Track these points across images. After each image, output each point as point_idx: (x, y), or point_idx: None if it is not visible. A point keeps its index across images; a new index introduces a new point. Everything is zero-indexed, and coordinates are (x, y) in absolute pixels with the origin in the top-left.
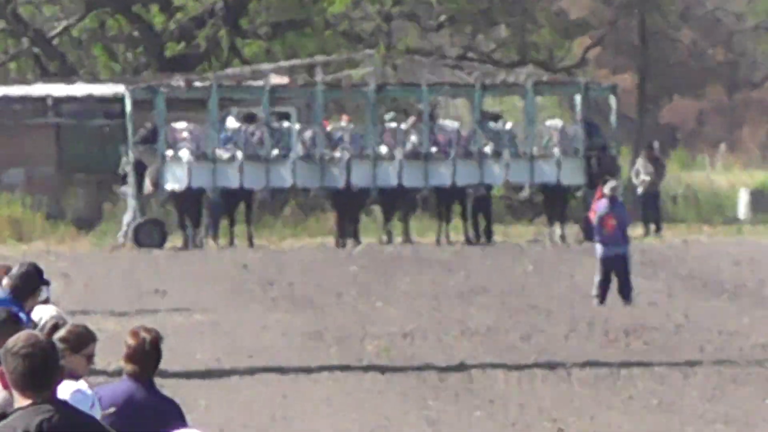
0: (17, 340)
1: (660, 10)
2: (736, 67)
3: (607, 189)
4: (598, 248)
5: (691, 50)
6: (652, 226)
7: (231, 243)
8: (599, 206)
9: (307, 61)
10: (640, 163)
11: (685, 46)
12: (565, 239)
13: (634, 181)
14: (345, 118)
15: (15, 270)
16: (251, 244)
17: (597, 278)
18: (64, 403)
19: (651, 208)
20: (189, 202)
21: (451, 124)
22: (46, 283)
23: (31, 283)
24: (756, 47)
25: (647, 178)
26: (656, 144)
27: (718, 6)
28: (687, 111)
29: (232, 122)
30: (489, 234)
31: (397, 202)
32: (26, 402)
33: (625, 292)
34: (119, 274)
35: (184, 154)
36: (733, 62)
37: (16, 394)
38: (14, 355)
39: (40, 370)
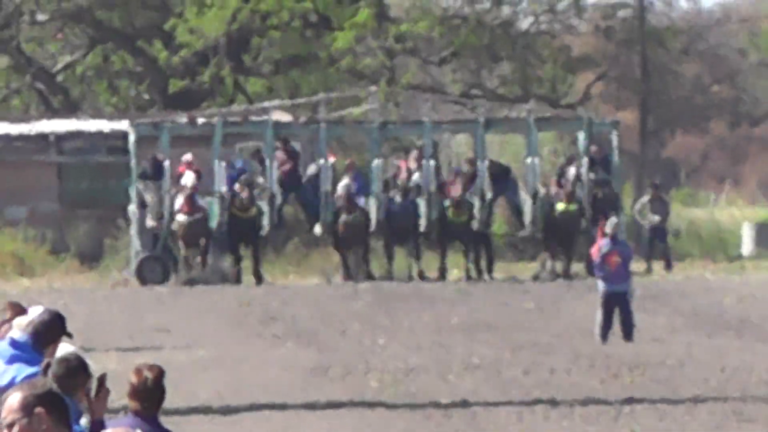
0: (45, 382)
1: (662, 45)
2: (738, 103)
3: (608, 227)
4: (601, 285)
5: (693, 85)
6: (655, 263)
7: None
8: (602, 244)
9: (310, 99)
10: (645, 200)
11: (687, 80)
12: (569, 275)
13: (637, 218)
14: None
15: (37, 316)
16: (259, 280)
17: (599, 316)
18: None
19: (660, 245)
20: (194, 234)
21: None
22: (69, 335)
23: (53, 332)
24: (758, 83)
25: (656, 218)
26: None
27: (720, 42)
28: (690, 147)
29: (239, 163)
30: (490, 270)
31: (406, 238)
32: None
33: (628, 329)
34: (122, 310)
35: (189, 178)
36: (735, 98)
37: None
38: (58, 395)
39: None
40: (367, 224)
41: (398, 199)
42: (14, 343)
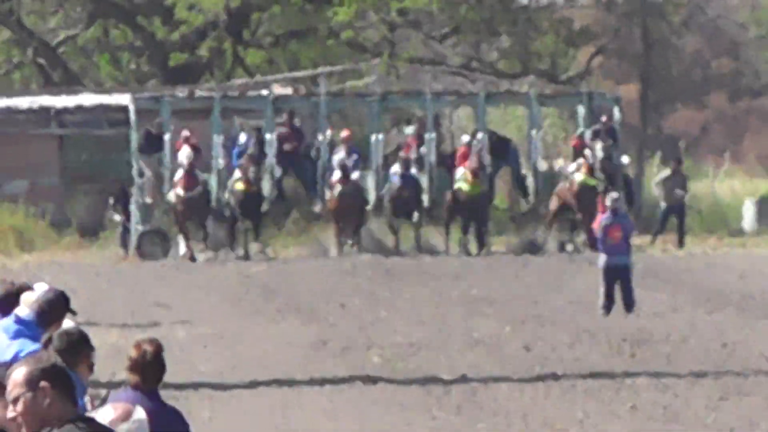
0: (50, 356)
1: (663, 18)
2: (739, 76)
3: (608, 201)
4: (602, 258)
5: (693, 58)
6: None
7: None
8: (603, 217)
9: (311, 72)
10: (666, 175)
11: (688, 54)
12: (576, 249)
13: (655, 192)
14: (344, 134)
15: (42, 294)
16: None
17: (602, 289)
18: (94, 420)
19: (677, 221)
20: (192, 210)
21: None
22: (73, 312)
23: (57, 310)
24: (759, 56)
25: (681, 192)
26: (725, 157)
27: (720, 15)
28: (690, 120)
29: (243, 137)
30: (482, 243)
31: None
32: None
33: (629, 302)
34: (123, 285)
35: (184, 154)
36: (736, 71)
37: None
38: (63, 369)
39: (74, 382)
40: (362, 197)
41: (401, 172)
42: (19, 320)
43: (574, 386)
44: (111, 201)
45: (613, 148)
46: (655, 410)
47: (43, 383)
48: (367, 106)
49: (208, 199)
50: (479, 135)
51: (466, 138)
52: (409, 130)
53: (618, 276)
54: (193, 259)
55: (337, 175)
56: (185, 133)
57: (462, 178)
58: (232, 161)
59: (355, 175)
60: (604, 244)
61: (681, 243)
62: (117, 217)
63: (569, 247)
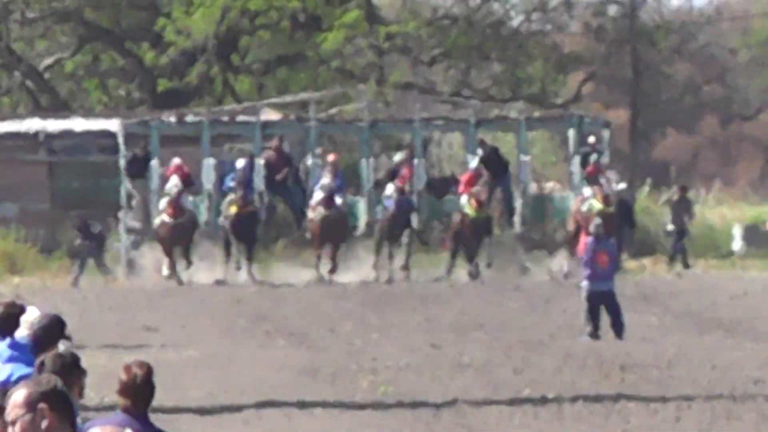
0: (50, 379)
1: (653, 44)
2: (729, 101)
3: (592, 227)
4: (585, 285)
5: (684, 84)
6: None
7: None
8: (588, 244)
9: (300, 97)
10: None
11: (678, 80)
12: (568, 275)
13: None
14: (331, 158)
15: (37, 319)
16: (253, 279)
17: (586, 315)
18: None
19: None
20: (178, 236)
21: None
22: (68, 338)
23: (51, 336)
24: (749, 82)
25: (671, 227)
26: (715, 184)
27: (711, 41)
28: (681, 146)
29: (240, 163)
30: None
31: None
32: None
33: (619, 327)
34: (112, 308)
35: (172, 183)
36: (726, 97)
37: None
38: (63, 392)
39: (73, 405)
40: (344, 222)
41: (396, 198)
42: (14, 345)
43: (563, 410)
44: (76, 232)
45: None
46: None
47: (41, 405)
48: (357, 132)
49: (193, 227)
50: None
51: (474, 164)
52: (398, 157)
53: (604, 301)
54: (180, 282)
55: (318, 197)
56: (177, 161)
57: (467, 204)
58: (224, 185)
59: (338, 200)
60: (592, 269)
61: (686, 264)
62: (78, 242)
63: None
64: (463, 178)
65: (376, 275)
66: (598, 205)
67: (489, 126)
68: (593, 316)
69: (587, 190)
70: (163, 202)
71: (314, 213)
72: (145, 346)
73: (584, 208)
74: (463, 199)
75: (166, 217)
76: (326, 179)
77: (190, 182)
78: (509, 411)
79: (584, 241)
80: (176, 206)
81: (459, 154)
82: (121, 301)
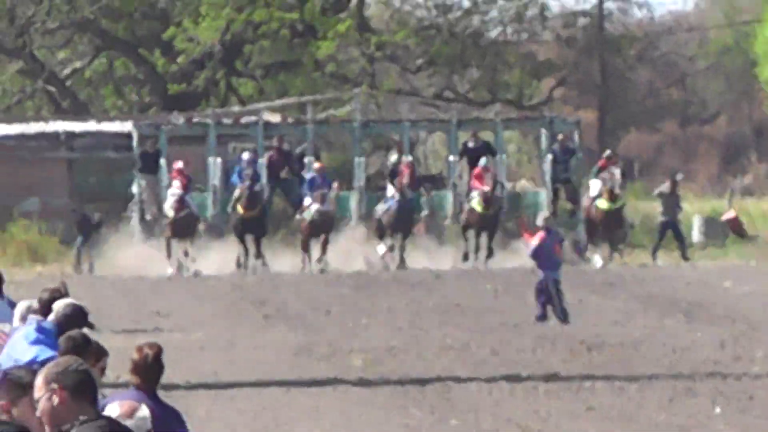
0: (68, 360)
1: (619, 52)
2: (688, 105)
3: (539, 220)
4: (541, 273)
5: (647, 89)
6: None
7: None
8: (544, 237)
9: (298, 99)
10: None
11: (641, 85)
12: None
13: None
14: (316, 165)
15: (62, 308)
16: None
17: (540, 301)
18: (112, 419)
19: (677, 235)
20: (182, 227)
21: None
22: (91, 326)
23: (74, 324)
24: (706, 87)
25: (678, 209)
26: (680, 176)
27: (671, 49)
28: (643, 144)
29: (246, 155)
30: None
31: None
32: (81, 418)
33: (565, 312)
34: (127, 295)
35: (175, 187)
36: (685, 101)
37: (72, 410)
38: (75, 372)
39: (93, 384)
40: (331, 222)
41: (398, 197)
42: (40, 329)
43: (537, 387)
44: (75, 227)
45: (571, 162)
46: (611, 411)
47: (53, 385)
48: (350, 132)
49: (195, 222)
50: (451, 158)
51: (483, 161)
52: (393, 157)
53: (554, 288)
54: (188, 273)
55: (309, 200)
56: (179, 165)
57: (476, 200)
58: (232, 179)
59: (326, 206)
60: (550, 260)
61: (685, 257)
62: (79, 240)
63: (605, 260)
64: (473, 173)
65: (384, 263)
66: (604, 204)
67: (469, 126)
68: (547, 303)
69: (596, 184)
70: (170, 200)
71: (303, 214)
72: (156, 329)
73: (595, 204)
74: (473, 194)
75: (171, 211)
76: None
77: (189, 184)
78: (487, 387)
79: (540, 235)
80: (181, 204)
81: (442, 152)
82: (133, 289)
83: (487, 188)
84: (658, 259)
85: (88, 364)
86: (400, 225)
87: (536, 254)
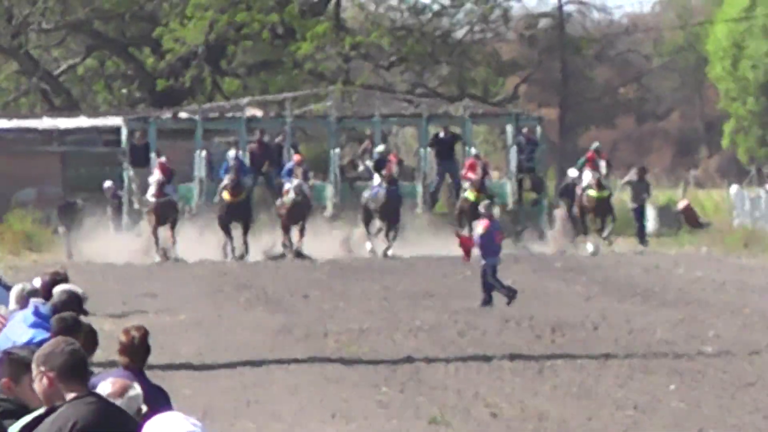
0: (58, 342)
1: (578, 52)
2: (643, 101)
3: (482, 208)
4: (484, 260)
5: (605, 87)
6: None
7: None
8: (488, 225)
9: (278, 96)
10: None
11: (600, 83)
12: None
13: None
14: (296, 158)
15: (59, 294)
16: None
17: (486, 287)
18: (99, 395)
19: (636, 224)
20: (163, 213)
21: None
22: (86, 312)
23: (69, 309)
24: (660, 84)
25: (645, 196)
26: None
27: (628, 49)
28: (601, 140)
29: (231, 153)
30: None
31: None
32: (71, 395)
33: (511, 291)
34: (116, 279)
35: (156, 176)
36: (641, 98)
37: (61, 390)
38: (62, 353)
39: (82, 364)
40: (308, 208)
41: (385, 185)
42: (37, 312)
43: (502, 366)
44: (57, 213)
45: (534, 154)
46: (571, 387)
47: (42, 367)
48: (326, 126)
49: (175, 208)
50: (421, 151)
51: (474, 151)
52: (380, 148)
53: (493, 274)
54: (168, 258)
55: (287, 186)
56: (162, 159)
57: (468, 189)
58: (220, 173)
59: (306, 188)
60: (493, 246)
61: (643, 241)
62: (61, 229)
63: (596, 247)
64: (466, 163)
65: (372, 247)
66: (594, 192)
67: (439, 121)
68: (492, 288)
69: (587, 176)
70: (152, 188)
71: (284, 199)
72: (143, 311)
73: (586, 194)
74: (466, 184)
75: (152, 198)
76: (297, 180)
77: (171, 176)
78: (455, 367)
79: (485, 223)
80: (161, 190)
81: (413, 144)
82: (123, 274)
83: (477, 177)
84: (648, 243)
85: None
86: (388, 212)
87: (481, 241)
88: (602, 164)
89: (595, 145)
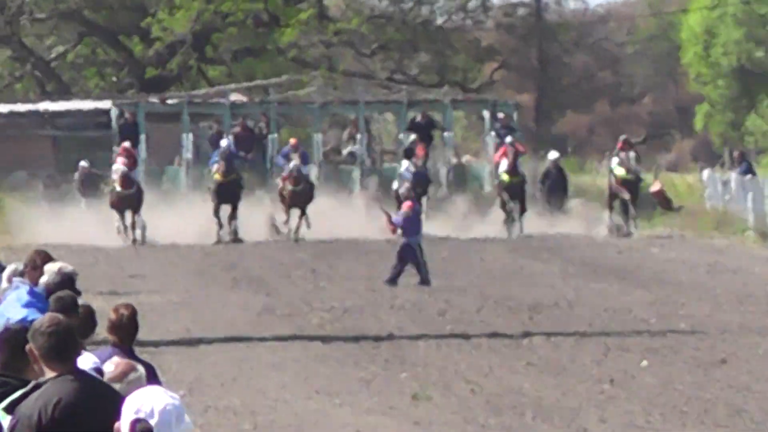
0: (43, 321)
1: (555, 39)
2: (618, 86)
3: (403, 189)
4: (405, 240)
5: (581, 73)
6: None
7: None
8: (411, 205)
9: (263, 82)
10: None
11: (576, 69)
12: (628, 231)
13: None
14: (292, 141)
15: (52, 275)
16: (236, 238)
17: (399, 266)
18: (83, 372)
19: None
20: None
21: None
22: (78, 292)
23: (62, 289)
24: (635, 70)
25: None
26: (636, 140)
27: (603, 36)
28: (578, 124)
29: (224, 142)
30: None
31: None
32: (53, 374)
33: (425, 273)
34: (106, 260)
35: (118, 164)
36: (616, 83)
37: (45, 368)
38: (42, 334)
39: (63, 345)
40: (311, 192)
41: (412, 169)
42: (32, 292)
43: (481, 344)
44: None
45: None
46: (548, 365)
47: (30, 344)
48: (310, 112)
49: (140, 197)
50: (403, 136)
51: (509, 138)
52: (411, 137)
53: (420, 252)
54: (134, 241)
55: (288, 170)
56: (125, 144)
57: (503, 171)
58: (212, 159)
59: (305, 171)
60: (412, 227)
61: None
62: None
63: (624, 229)
64: (500, 150)
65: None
66: (621, 171)
67: (419, 107)
68: (403, 267)
69: (615, 161)
70: (115, 176)
71: (284, 184)
72: (133, 291)
73: (615, 173)
74: (501, 167)
75: (118, 188)
76: (295, 161)
77: (134, 161)
78: (435, 344)
79: (408, 203)
80: (126, 179)
81: (394, 130)
82: (113, 254)
83: (510, 161)
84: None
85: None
86: (417, 194)
87: (405, 222)
88: (631, 154)
89: (623, 136)
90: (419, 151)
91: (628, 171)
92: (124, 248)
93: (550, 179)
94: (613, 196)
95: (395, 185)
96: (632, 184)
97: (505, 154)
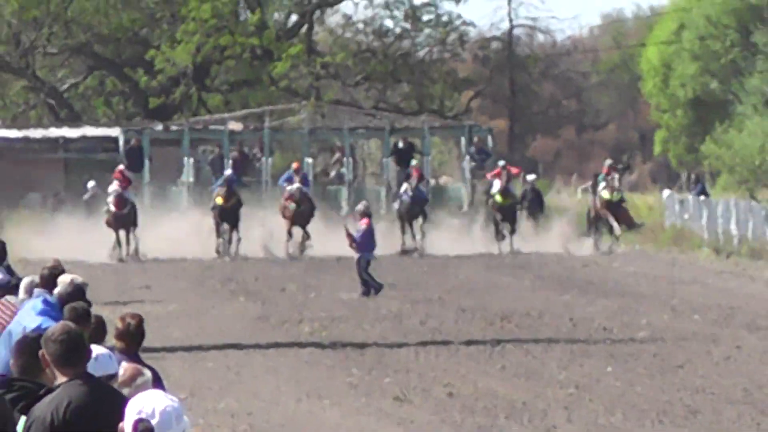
0: (55, 329)
1: (525, 70)
2: (583, 114)
3: (361, 207)
4: (363, 256)
5: (549, 101)
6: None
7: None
8: (368, 222)
9: (257, 110)
10: (587, 185)
11: (544, 98)
12: (611, 249)
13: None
14: (295, 165)
15: (64, 286)
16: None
17: (363, 279)
18: (92, 376)
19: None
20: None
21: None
22: (88, 302)
23: (74, 299)
24: (598, 99)
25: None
26: (620, 166)
27: (569, 67)
28: (546, 148)
29: (228, 172)
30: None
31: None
32: (64, 378)
33: (377, 285)
34: (114, 273)
35: (113, 186)
36: (581, 111)
37: (56, 373)
38: (54, 342)
39: (73, 351)
40: (312, 211)
41: (410, 192)
42: (46, 302)
43: (458, 351)
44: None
45: (485, 162)
46: (519, 369)
47: (40, 352)
48: (299, 138)
49: (135, 216)
50: (384, 161)
51: (501, 162)
52: (414, 162)
53: (366, 267)
54: (121, 260)
55: (290, 192)
56: (120, 166)
57: (497, 193)
58: (212, 187)
59: (307, 192)
60: (367, 244)
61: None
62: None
63: (606, 247)
64: (493, 172)
65: (411, 247)
66: (607, 194)
67: (400, 133)
68: (368, 280)
69: (602, 185)
70: (110, 198)
71: (287, 204)
72: (138, 301)
73: (602, 195)
74: (494, 187)
75: (113, 208)
76: (297, 183)
77: (128, 183)
78: (416, 351)
79: (365, 221)
80: (120, 200)
81: (377, 155)
82: (120, 268)
83: (502, 183)
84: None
85: (86, 331)
86: (415, 212)
87: (360, 237)
88: (616, 176)
89: (608, 161)
90: (415, 173)
91: (613, 192)
92: (130, 262)
93: (527, 199)
94: (597, 216)
95: (396, 206)
96: (616, 205)
97: (498, 175)
